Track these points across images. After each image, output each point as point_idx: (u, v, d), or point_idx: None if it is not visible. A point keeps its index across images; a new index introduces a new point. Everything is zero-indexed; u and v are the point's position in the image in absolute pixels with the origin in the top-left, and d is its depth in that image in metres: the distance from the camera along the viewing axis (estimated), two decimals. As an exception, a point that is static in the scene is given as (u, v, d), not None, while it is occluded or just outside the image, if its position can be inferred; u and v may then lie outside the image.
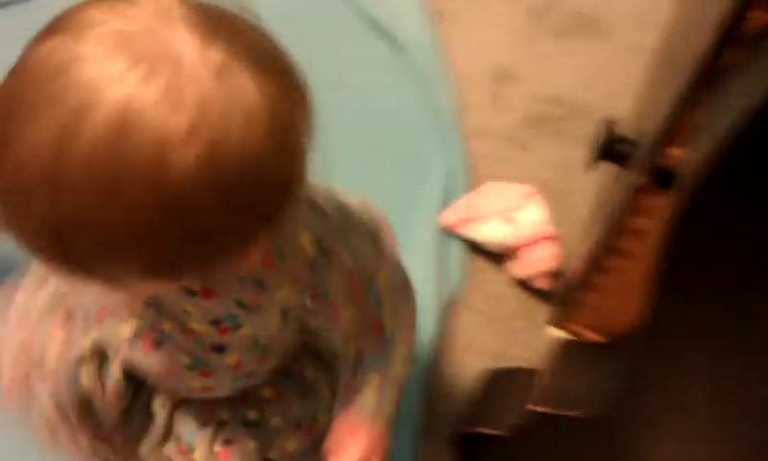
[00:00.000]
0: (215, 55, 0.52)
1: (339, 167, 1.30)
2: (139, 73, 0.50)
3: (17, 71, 0.52)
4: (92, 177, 0.49)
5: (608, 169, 0.96)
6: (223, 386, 0.87)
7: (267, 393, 0.92)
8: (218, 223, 0.53)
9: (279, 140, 0.55)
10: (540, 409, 0.95)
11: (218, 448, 0.91)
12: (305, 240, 0.75)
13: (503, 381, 1.09)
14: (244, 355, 0.82)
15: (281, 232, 0.69)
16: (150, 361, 0.81)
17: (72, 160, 0.49)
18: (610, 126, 0.91)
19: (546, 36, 1.55)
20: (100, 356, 0.83)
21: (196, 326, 0.77)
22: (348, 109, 1.39)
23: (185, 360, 0.81)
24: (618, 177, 1.00)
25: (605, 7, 1.57)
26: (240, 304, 0.76)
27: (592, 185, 1.27)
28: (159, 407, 0.91)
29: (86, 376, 0.83)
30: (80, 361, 0.82)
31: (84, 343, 0.81)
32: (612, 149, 0.90)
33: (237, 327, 0.78)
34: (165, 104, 0.49)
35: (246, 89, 0.52)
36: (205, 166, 0.50)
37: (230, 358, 0.82)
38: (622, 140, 0.90)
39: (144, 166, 0.49)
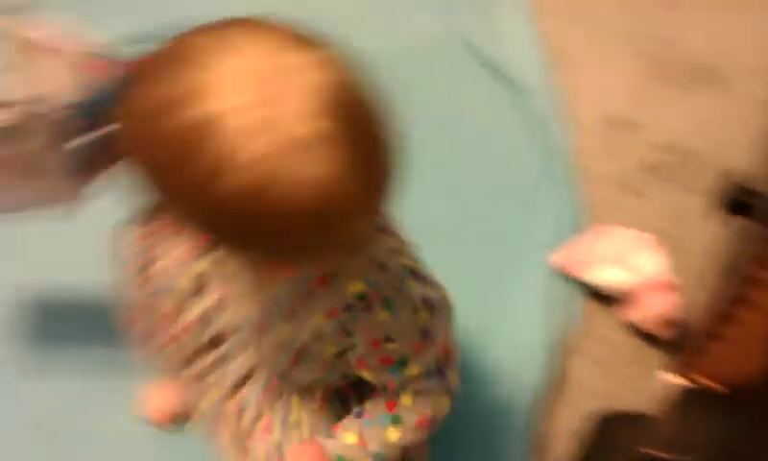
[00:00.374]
0: (318, 124, 0.58)
1: (451, 204, 1.35)
2: (248, 94, 0.57)
3: (176, 37, 0.62)
4: (169, 144, 0.59)
5: (726, 219, 0.97)
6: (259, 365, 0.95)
7: (315, 404, 0.96)
8: (234, 239, 0.64)
9: (330, 221, 0.61)
10: (655, 454, 0.95)
11: (263, 422, 0.97)
12: (353, 288, 0.77)
13: (614, 424, 1.10)
14: (275, 353, 0.88)
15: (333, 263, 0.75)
16: (224, 308, 0.91)
17: (164, 124, 0.58)
18: (734, 177, 0.92)
19: (664, 83, 1.56)
20: (197, 289, 0.93)
21: (249, 298, 0.86)
22: (462, 148, 1.43)
23: (240, 324, 0.90)
24: (742, 228, 1.00)
25: (724, 57, 1.58)
26: (280, 305, 0.82)
27: (706, 234, 1.27)
28: (240, 361, 0.97)
29: (177, 299, 0.93)
30: (180, 283, 0.92)
31: (193, 270, 0.92)
32: (737, 201, 0.91)
33: (271, 325, 0.85)
34: (249, 132, 0.57)
35: (325, 166, 0.58)
36: (247, 199, 0.58)
37: (263, 349, 0.89)
38: (748, 192, 0.91)
39: (203, 165, 0.57)
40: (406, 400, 0.85)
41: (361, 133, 0.61)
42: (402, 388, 0.84)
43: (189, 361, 0.98)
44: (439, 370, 0.85)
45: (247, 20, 0.62)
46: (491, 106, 1.52)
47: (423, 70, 1.51)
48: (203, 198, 0.59)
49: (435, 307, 0.82)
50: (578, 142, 1.46)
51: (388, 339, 0.79)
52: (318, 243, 0.64)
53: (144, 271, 0.95)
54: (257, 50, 0.59)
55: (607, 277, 1.22)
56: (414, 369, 0.82)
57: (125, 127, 0.65)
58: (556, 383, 1.19)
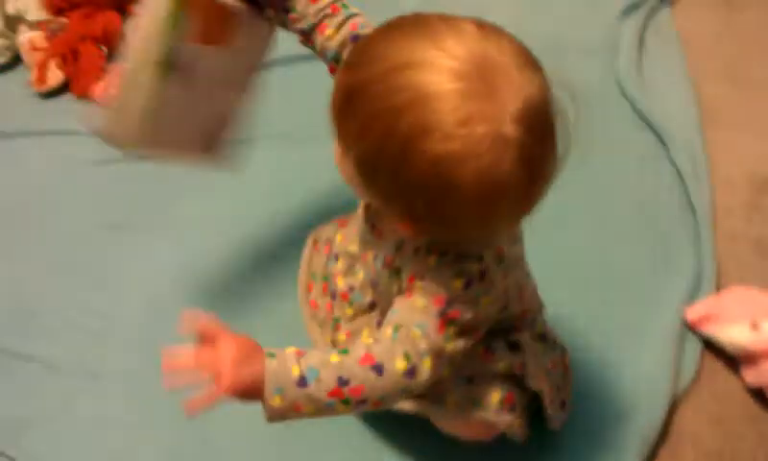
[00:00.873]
0: (521, 131, 0.68)
1: (591, 247, 1.37)
2: (476, 83, 0.68)
3: (417, 14, 0.75)
4: (398, 95, 0.69)
5: None
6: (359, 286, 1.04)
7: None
8: (399, 188, 0.73)
9: (486, 214, 0.73)
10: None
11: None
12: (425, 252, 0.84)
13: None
14: (366, 285, 1.00)
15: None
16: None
17: (398, 78, 0.69)
18: None
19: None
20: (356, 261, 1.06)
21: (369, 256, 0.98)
22: (605, 193, 1.46)
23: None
24: None
25: None
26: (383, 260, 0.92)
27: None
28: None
29: (345, 263, 1.08)
30: (349, 249, 1.07)
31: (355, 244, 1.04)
32: None
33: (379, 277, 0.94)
34: (470, 114, 0.67)
35: (513, 168, 0.69)
36: (443, 162, 0.68)
37: (361, 277, 1.02)
38: None
39: (422, 121, 0.68)
40: (366, 337, 0.88)
41: (545, 152, 0.73)
42: (375, 340, 0.83)
43: (340, 323, 1.08)
44: (414, 361, 0.82)
45: (487, 22, 0.73)
46: (637, 155, 1.54)
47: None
48: (406, 148, 0.69)
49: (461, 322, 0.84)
50: (721, 200, 1.46)
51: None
52: (457, 225, 0.74)
53: (318, 242, 1.14)
54: (490, 49, 0.70)
55: (734, 335, 1.22)
56: (390, 333, 0.82)
57: (353, 80, 0.74)
58: (667, 434, 1.19)
